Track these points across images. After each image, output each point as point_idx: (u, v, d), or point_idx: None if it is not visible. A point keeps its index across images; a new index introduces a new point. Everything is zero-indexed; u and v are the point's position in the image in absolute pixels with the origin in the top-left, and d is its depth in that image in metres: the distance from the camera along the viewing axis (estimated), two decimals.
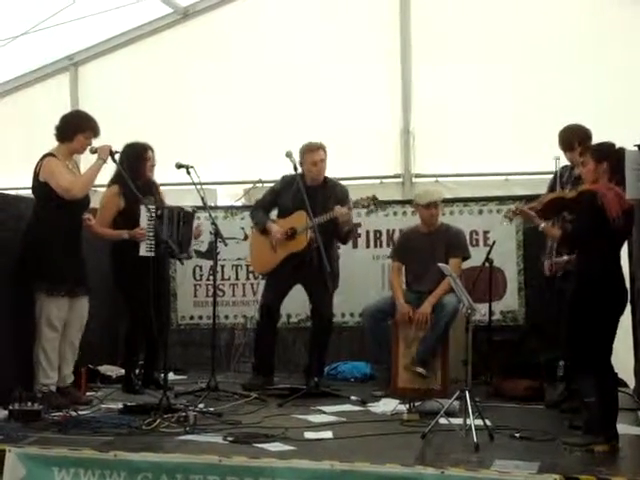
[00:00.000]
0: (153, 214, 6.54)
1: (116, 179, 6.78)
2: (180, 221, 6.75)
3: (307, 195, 6.69)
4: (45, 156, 6.26)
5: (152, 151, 6.97)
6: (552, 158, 6.36)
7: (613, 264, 5.12)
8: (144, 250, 6.63)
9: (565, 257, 6.13)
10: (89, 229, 6.59)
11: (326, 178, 7.13)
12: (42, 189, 6.22)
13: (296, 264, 6.97)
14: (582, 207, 5.26)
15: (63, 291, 6.22)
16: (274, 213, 7.33)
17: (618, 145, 5.23)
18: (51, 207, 6.20)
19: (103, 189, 7.07)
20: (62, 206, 6.18)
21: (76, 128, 6.31)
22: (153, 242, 6.60)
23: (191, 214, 6.97)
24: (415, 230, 7.26)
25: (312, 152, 7.01)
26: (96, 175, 6.26)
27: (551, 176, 6.57)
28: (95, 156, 6.28)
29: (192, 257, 7.26)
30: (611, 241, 5.10)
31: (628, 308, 5.54)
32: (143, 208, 6.54)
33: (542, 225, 5.65)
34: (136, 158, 6.83)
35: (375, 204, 6.94)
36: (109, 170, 6.69)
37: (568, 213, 5.78)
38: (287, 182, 7.16)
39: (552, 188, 6.47)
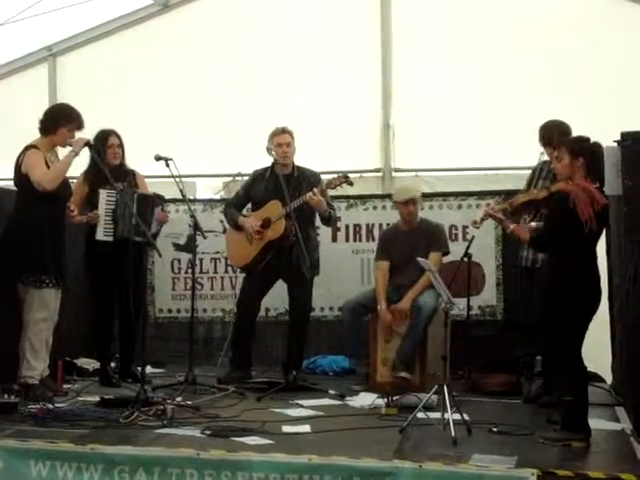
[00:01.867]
0: (111, 198, 6.61)
1: (88, 168, 6.84)
2: (133, 204, 6.70)
3: (279, 184, 6.71)
4: (27, 148, 6.23)
5: (118, 137, 6.98)
6: (538, 153, 6.39)
7: (585, 264, 5.10)
8: (101, 234, 6.71)
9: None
10: (72, 219, 6.59)
11: (295, 166, 7.11)
12: (24, 181, 6.18)
13: (275, 253, 6.94)
14: (553, 208, 5.27)
15: (51, 282, 6.20)
16: (248, 208, 7.31)
17: (596, 140, 5.22)
18: (34, 199, 6.15)
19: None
20: (45, 198, 6.14)
21: (60, 121, 6.28)
22: (111, 226, 6.65)
23: (151, 197, 6.97)
24: (395, 228, 7.26)
25: (277, 135, 7.03)
26: (67, 167, 6.20)
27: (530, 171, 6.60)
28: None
29: (152, 244, 7.09)
30: (582, 242, 5.06)
31: (605, 304, 5.57)
32: (101, 192, 6.64)
33: (511, 227, 5.63)
34: (98, 144, 6.77)
35: (347, 182, 6.90)
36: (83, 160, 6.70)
37: (544, 209, 5.80)
38: (258, 174, 7.18)
39: (530, 182, 6.50)
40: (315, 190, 6.81)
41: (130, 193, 6.80)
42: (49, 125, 6.28)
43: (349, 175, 6.94)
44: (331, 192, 7.02)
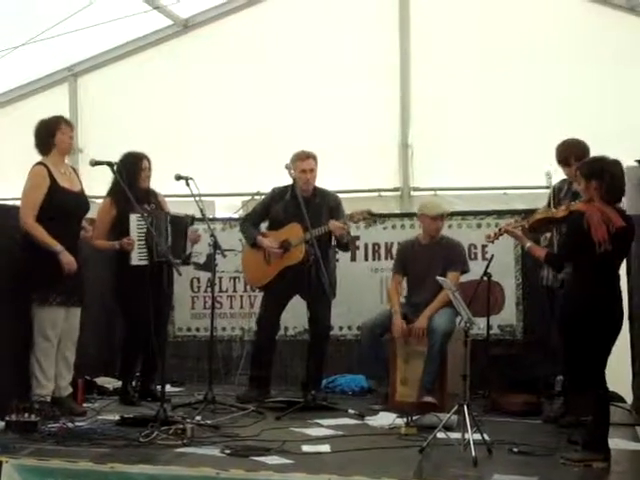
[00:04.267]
0: (142, 222, 6.55)
1: (111, 190, 6.81)
2: (168, 227, 6.73)
3: (299, 207, 6.70)
4: (36, 164, 6.29)
5: (148, 160, 6.99)
6: (544, 173, 6.36)
7: (605, 285, 5.07)
8: (135, 259, 6.64)
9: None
10: (85, 240, 6.60)
11: (316, 188, 7.11)
12: None
13: (292, 277, 6.95)
14: (569, 227, 5.26)
15: (55, 301, 6.20)
16: (263, 226, 7.33)
17: (615, 158, 5.19)
18: (43, 217, 6.18)
19: (100, 200, 7.08)
20: (54, 216, 6.17)
21: (50, 131, 6.33)
22: (145, 250, 6.61)
23: (183, 218, 6.97)
24: (414, 242, 7.25)
25: (302, 161, 6.99)
26: (43, 240, 6.12)
27: (549, 190, 6.59)
28: (98, 169, 6.27)
29: (189, 264, 7.19)
30: (601, 263, 5.02)
31: (625, 323, 5.53)
32: (132, 217, 6.57)
33: (528, 245, 5.65)
34: (131, 167, 6.82)
35: (370, 218, 6.92)
36: (105, 179, 6.73)
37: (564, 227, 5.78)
38: (278, 194, 7.16)
39: (550, 203, 6.48)
40: (339, 224, 6.81)
41: (163, 215, 6.80)
42: (45, 140, 6.33)
43: (373, 212, 6.96)
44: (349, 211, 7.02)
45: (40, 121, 6.40)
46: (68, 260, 6.14)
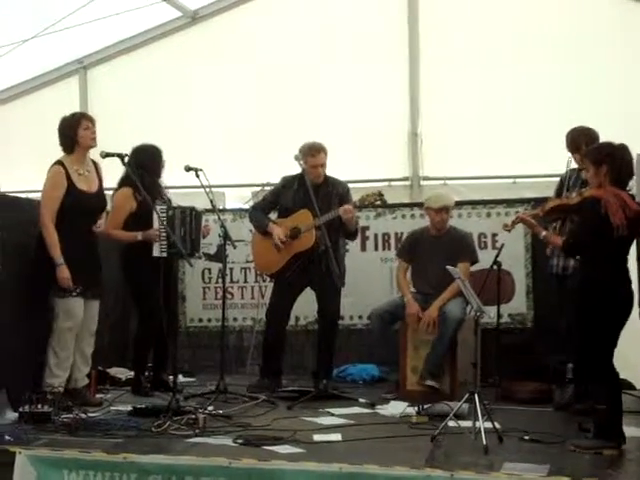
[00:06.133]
0: (164, 215, 6.57)
1: (126, 181, 6.79)
2: (192, 221, 6.78)
3: (308, 194, 6.71)
4: (53, 164, 6.34)
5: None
6: (566, 159, 6.38)
7: (617, 271, 5.10)
8: (157, 251, 6.64)
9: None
10: (100, 233, 6.63)
11: (326, 176, 7.09)
12: None
13: (303, 264, 6.97)
14: (585, 214, 5.25)
15: (75, 292, 6.25)
16: (273, 216, 7.33)
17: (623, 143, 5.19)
18: (61, 212, 6.24)
19: (109, 192, 7.10)
20: (70, 217, 6.23)
21: (72, 128, 6.37)
22: (165, 243, 6.63)
23: (199, 213, 6.99)
24: (423, 231, 7.27)
25: (313, 157, 6.95)
26: (52, 240, 6.18)
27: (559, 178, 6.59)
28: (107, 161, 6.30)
29: (202, 258, 7.23)
30: (615, 248, 5.06)
31: (637, 310, 5.54)
32: (157, 208, 6.54)
33: (543, 233, 5.67)
34: (155, 160, 6.90)
35: (381, 200, 6.91)
36: (118, 172, 6.75)
37: (575, 216, 5.78)
38: (288, 181, 7.16)
39: (559, 191, 6.48)
40: (349, 207, 6.81)
41: (188, 209, 6.82)
42: (68, 138, 6.37)
43: (382, 193, 6.91)
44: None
45: (62, 119, 6.46)
46: (64, 276, 6.19)
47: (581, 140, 6.24)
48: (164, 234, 6.58)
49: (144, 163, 6.76)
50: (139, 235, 6.70)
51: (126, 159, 6.31)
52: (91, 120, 6.46)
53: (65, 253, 6.19)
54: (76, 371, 6.47)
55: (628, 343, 5.30)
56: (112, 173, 6.82)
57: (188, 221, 6.75)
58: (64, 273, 6.19)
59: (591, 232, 5.11)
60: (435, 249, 7.03)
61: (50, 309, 6.30)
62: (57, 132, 6.43)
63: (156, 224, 6.60)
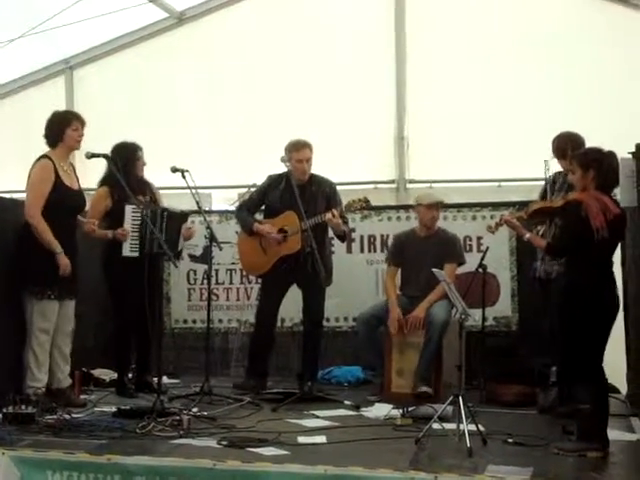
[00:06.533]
0: (137, 214, 6.57)
1: (106, 180, 6.82)
2: (163, 222, 6.73)
3: (294, 195, 6.69)
4: (39, 158, 6.30)
5: (142, 151, 7.00)
6: (543, 165, 6.40)
7: (602, 275, 5.13)
8: (127, 250, 6.66)
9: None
10: (91, 232, 6.60)
11: (312, 175, 7.08)
12: None
13: (289, 266, 6.96)
14: (567, 217, 5.30)
15: (53, 294, 6.24)
16: (259, 217, 7.32)
17: (610, 149, 5.24)
18: (45, 207, 6.20)
19: (93, 192, 7.08)
20: (55, 212, 6.20)
21: (61, 125, 6.35)
22: (137, 242, 6.63)
23: (179, 214, 6.96)
24: (411, 233, 7.27)
25: (298, 151, 6.95)
26: (46, 237, 6.15)
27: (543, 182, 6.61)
28: (93, 162, 6.30)
29: (179, 259, 7.14)
30: (597, 251, 5.08)
31: (620, 314, 5.56)
32: (127, 208, 6.58)
33: (527, 235, 5.71)
34: (128, 158, 6.86)
35: (367, 207, 6.92)
36: (100, 171, 6.76)
37: (558, 219, 5.82)
38: (274, 180, 7.13)
39: (544, 194, 6.50)
40: (334, 212, 6.78)
41: (160, 210, 6.79)
42: (54, 134, 6.35)
43: (368, 198, 6.89)
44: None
45: (54, 112, 6.45)
46: (65, 263, 6.18)
47: (567, 146, 6.25)
48: (135, 234, 6.60)
49: (120, 161, 6.73)
50: (109, 233, 6.71)
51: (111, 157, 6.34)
52: (82, 123, 6.43)
53: (44, 253, 6.15)
54: (58, 371, 6.45)
55: (612, 347, 5.31)
56: (100, 173, 6.86)
57: (159, 222, 6.71)
58: (64, 260, 6.18)
59: (573, 234, 5.15)
60: (423, 251, 7.04)
61: (25, 309, 6.26)
62: (45, 124, 6.39)
63: (127, 223, 6.63)
